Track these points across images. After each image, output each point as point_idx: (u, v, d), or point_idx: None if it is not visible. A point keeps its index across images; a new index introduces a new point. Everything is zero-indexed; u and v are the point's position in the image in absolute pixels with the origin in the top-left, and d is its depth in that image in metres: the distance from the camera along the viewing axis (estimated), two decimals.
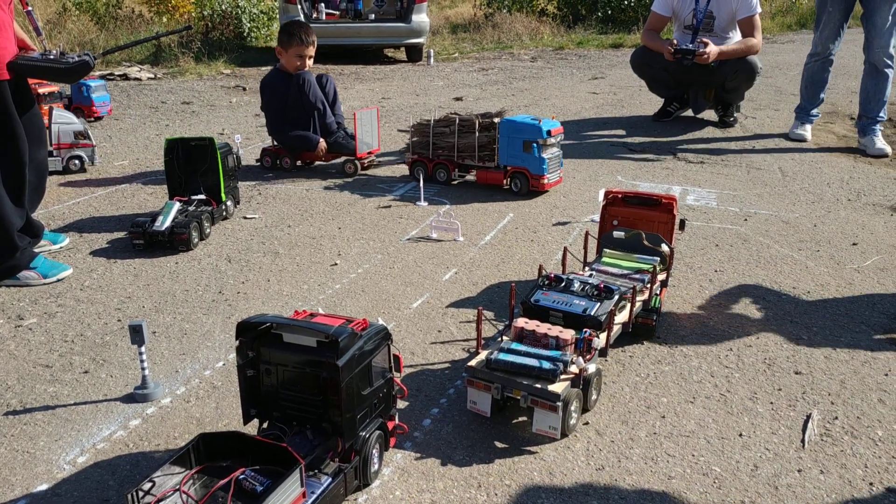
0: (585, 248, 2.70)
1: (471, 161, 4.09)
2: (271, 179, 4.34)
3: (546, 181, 3.91)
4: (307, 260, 3.13)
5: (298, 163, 4.55)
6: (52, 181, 4.29)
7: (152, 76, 8.17)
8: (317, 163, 4.60)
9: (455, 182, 4.19)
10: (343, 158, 4.47)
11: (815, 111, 5.33)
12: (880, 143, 4.87)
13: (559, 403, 1.84)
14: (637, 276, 2.48)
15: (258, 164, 4.60)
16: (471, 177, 4.20)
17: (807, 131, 5.30)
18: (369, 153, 4.49)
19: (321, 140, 4.40)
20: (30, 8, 3.07)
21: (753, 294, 2.80)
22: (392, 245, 3.30)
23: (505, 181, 4.00)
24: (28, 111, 2.91)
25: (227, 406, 2.08)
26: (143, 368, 2.10)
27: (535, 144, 3.82)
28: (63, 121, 4.38)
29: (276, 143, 4.55)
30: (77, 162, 4.44)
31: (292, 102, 4.38)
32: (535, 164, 3.87)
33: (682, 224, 2.73)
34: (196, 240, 3.26)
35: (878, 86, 4.82)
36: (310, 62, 4.42)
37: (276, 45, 4.45)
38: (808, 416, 2.03)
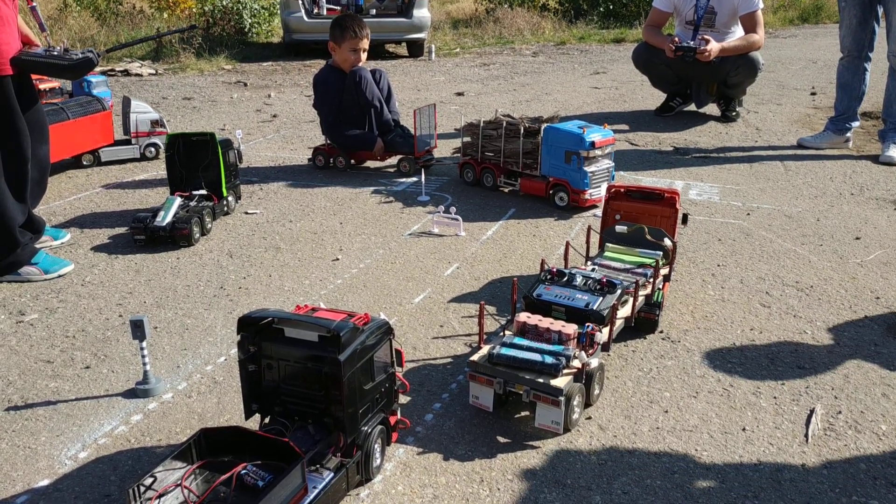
0: (588, 242, 2.69)
1: (515, 168, 3.83)
2: (270, 178, 4.34)
3: (588, 196, 3.57)
4: (309, 255, 3.13)
5: (353, 162, 4.41)
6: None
7: (153, 72, 8.16)
8: (368, 162, 4.47)
9: (506, 190, 3.92)
10: (398, 157, 4.34)
11: (847, 122, 4.82)
12: (893, 150, 4.54)
13: (562, 398, 1.84)
14: (639, 270, 2.46)
15: (310, 162, 4.48)
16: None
17: (824, 142, 4.84)
18: (427, 151, 4.34)
19: (379, 139, 4.27)
20: (34, 4, 3.06)
21: (756, 289, 2.79)
22: (394, 240, 3.30)
23: (548, 192, 3.70)
24: (31, 107, 2.91)
25: (229, 401, 2.08)
26: (144, 364, 2.10)
27: (574, 156, 3.52)
28: (140, 110, 4.55)
29: (329, 142, 4.41)
30: (153, 149, 4.59)
31: (348, 100, 4.24)
32: (576, 178, 3.55)
33: (685, 218, 2.72)
34: (197, 235, 3.25)
35: None
36: (363, 56, 4.29)
37: (329, 41, 4.30)
38: (812, 411, 2.03)
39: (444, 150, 4.62)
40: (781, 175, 4.29)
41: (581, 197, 3.58)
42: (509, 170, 3.88)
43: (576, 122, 3.68)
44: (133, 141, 4.55)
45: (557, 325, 2.02)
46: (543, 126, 3.67)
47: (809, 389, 2.14)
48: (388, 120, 4.32)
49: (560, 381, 1.86)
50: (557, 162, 3.61)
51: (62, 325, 2.53)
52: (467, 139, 4.05)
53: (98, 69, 7.48)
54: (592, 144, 3.50)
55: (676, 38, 5.25)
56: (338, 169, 4.37)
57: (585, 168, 3.53)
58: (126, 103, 4.53)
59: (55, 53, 2.86)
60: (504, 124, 3.82)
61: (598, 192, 3.57)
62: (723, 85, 5.50)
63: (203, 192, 3.49)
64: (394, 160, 4.40)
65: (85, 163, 4.42)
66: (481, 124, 3.94)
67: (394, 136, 4.31)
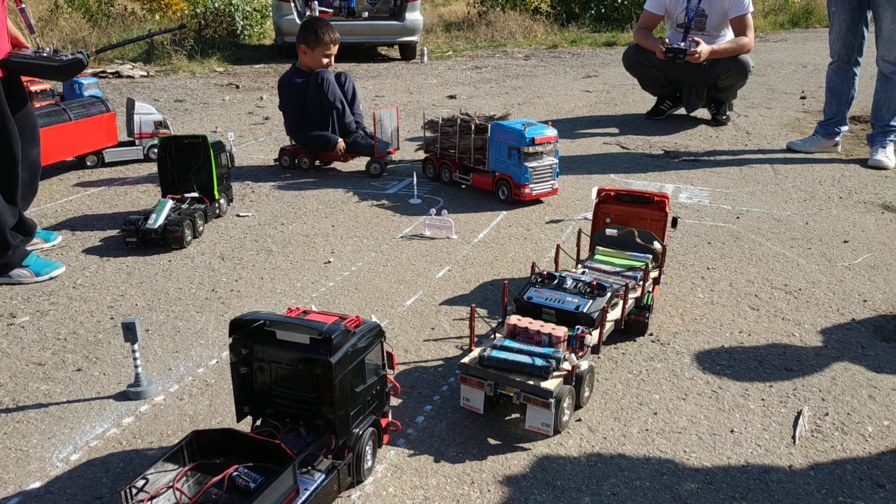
0: (578, 245, 2.71)
1: (469, 163, 4.00)
2: (261, 181, 4.34)
3: (528, 191, 3.72)
4: (300, 258, 3.14)
5: (317, 162, 4.48)
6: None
7: (145, 74, 8.14)
8: (334, 163, 4.54)
9: (464, 186, 4.08)
10: (366, 160, 4.38)
11: (836, 126, 4.87)
12: (881, 154, 4.59)
13: (552, 400, 1.85)
14: (629, 273, 2.48)
15: (276, 163, 4.54)
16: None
17: (814, 146, 4.90)
18: (388, 153, 4.40)
19: (340, 140, 4.33)
20: (23, 5, 3.06)
21: (745, 291, 2.81)
22: (385, 243, 3.31)
23: (494, 187, 3.85)
24: (21, 109, 2.90)
25: (221, 403, 2.08)
26: (136, 366, 2.10)
27: (515, 152, 3.66)
28: (144, 111, 4.55)
29: (294, 142, 4.49)
30: (156, 151, 4.54)
31: (311, 102, 4.31)
32: (517, 173, 3.70)
33: (675, 222, 2.74)
34: (189, 238, 3.25)
35: (886, 92, 4.55)
36: (332, 59, 4.38)
37: (299, 44, 4.38)
38: (799, 413, 2.05)
39: (412, 150, 4.69)
40: (771, 179, 4.32)
41: (522, 191, 3.72)
42: (464, 165, 4.03)
43: (521, 120, 3.82)
44: (137, 142, 4.57)
45: (548, 327, 2.03)
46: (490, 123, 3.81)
47: (797, 391, 2.16)
48: (351, 122, 4.39)
49: (550, 384, 1.87)
50: (502, 157, 3.76)
51: (53, 328, 2.53)
52: (429, 135, 4.20)
53: (89, 71, 7.47)
54: (532, 141, 3.64)
55: (667, 41, 5.28)
56: (302, 169, 4.45)
57: (526, 164, 3.67)
58: (130, 105, 4.54)
59: (44, 55, 2.86)
60: (458, 121, 3.96)
61: (541, 188, 3.78)
62: (713, 88, 5.53)
63: (195, 194, 3.49)
64: (360, 161, 4.47)
65: (89, 163, 4.45)
66: (440, 121, 4.08)
67: (355, 136, 4.38)
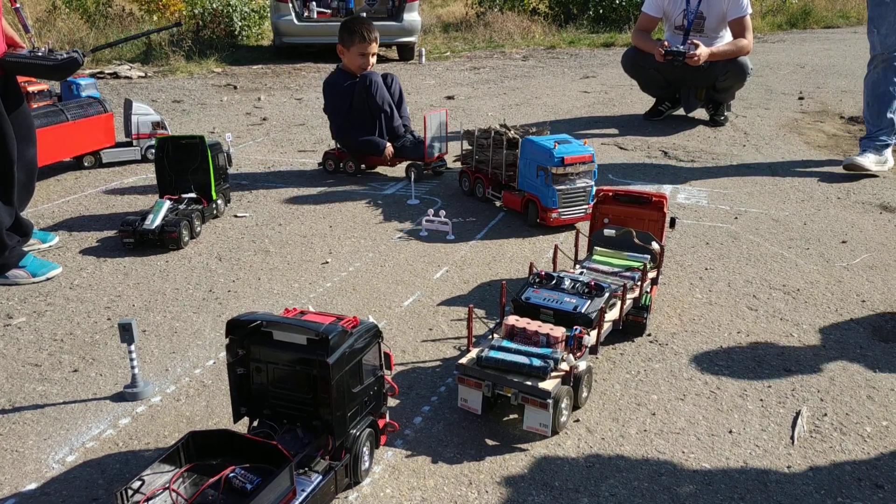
0: (576, 246, 2.70)
1: (502, 180, 3.71)
2: (259, 181, 4.33)
3: (555, 216, 3.35)
4: (298, 258, 3.13)
5: (363, 166, 4.38)
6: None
7: (143, 74, 8.13)
8: (379, 167, 4.43)
9: (497, 204, 3.79)
10: (407, 162, 4.27)
11: (886, 137, 4.29)
12: (864, 158, 4.28)
13: (550, 401, 1.85)
14: (628, 273, 2.48)
15: (320, 167, 4.46)
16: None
17: (869, 160, 4.29)
18: (438, 157, 4.29)
19: (388, 144, 4.23)
20: (18, 5, 3.06)
21: (743, 292, 2.81)
22: (383, 243, 3.30)
23: (523, 207, 3.53)
24: (17, 109, 2.89)
25: (218, 404, 2.07)
26: (132, 367, 2.10)
27: (542, 171, 3.33)
28: (141, 112, 4.53)
29: (339, 146, 4.39)
30: (154, 151, 4.54)
31: (358, 104, 4.20)
32: (545, 194, 3.35)
33: (673, 222, 2.73)
34: (186, 238, 3.25)
35: None
36: (373, 60, 4.28)
37: (337, 44, 4.32)
38: (798, 413, 2.04)
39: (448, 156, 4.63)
40: (769, 179, 4.32)
41: (549, 216, 3.37)
42: (498, 181, 3.77)
43: (556, 136, 3.50)
44: (134, 143, 4.56)
45: (546, 328, 2.02)
46: (522, 138, 3.55)
47: (795, 392, 2.15)
48: (399, 125, 4.29)
49: (548, 384, 1.87)
50: (531, 176, 3.45)
51: (50, 329, 2.52)
52: (466, 148, 3.99)
53: (87, 71, 7.47)
54: (562, 161, 3.29)
55: (666, 43, 5.28)
56: (347, 174, 4.35)
57: (554, 186, 3.32)
58: (127, 105, 4.53)
59: (40, 54, 2.85)
60: (492, 134, 3.75)
61: (571, 213, 3.41)
62: (712, 89, 5.53)
63: (192, 195, 3.49)
64: (403, 166, 4.37)
65: (86, 164, 4.43)
66: (476, 132, 3.86)
67: (404, 141, 4.28)
